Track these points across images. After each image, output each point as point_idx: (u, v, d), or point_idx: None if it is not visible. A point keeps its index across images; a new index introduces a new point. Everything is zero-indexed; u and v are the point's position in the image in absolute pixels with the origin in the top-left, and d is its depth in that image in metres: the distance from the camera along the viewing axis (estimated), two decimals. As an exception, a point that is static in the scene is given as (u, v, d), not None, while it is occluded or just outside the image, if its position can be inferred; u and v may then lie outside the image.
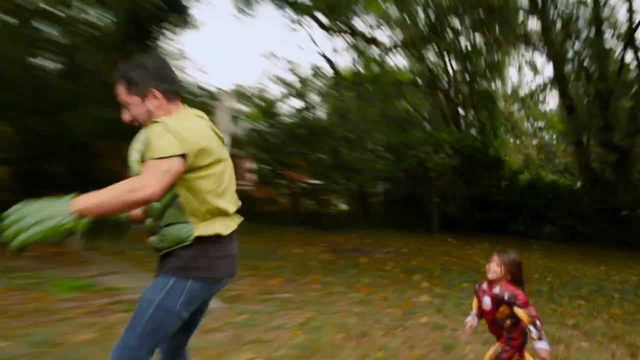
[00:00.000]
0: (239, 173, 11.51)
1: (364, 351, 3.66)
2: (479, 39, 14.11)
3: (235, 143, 12.61)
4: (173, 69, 1.84)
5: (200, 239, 1.62)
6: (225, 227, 1.76)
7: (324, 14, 14.27)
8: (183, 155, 1.48)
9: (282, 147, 13.06)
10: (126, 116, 1.75)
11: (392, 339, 4.02)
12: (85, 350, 3.17)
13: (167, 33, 12.78)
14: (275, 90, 14.45)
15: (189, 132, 1.57)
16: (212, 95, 12.83)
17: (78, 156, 12.84)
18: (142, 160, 1.62)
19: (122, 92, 1.71)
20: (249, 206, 9.55)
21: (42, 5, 12.47)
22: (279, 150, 13.00)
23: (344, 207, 15.55)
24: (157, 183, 1.42)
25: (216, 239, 1.69)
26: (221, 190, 1.76)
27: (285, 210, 13.66)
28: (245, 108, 13.52)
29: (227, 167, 1.83)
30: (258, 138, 13.00)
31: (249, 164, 13.98)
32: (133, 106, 1.71)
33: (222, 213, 1.77)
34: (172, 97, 1.73)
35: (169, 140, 1.50)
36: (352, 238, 11.40)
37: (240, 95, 13.17)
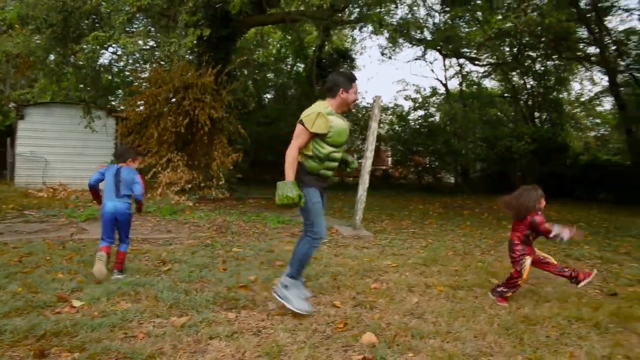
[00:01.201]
0: (381, 159, 18.15)
1: (468, 262, 5.06)
2: (550, 62, 19.22)
3: (379, 139, 19.15)
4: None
5: None
6: None
7: (441, 46, 19.86)
8: None
9: (410, 141, 19.29)
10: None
11: (487, 256, 5.48)
12: (287, 254, 4.77)
13: (341, 73, 19.99)
14: (406, 104, 21.08)
15: None
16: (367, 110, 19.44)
17: (283, 148, 19.89)
18: None
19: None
20: (388, 180, 16.63)
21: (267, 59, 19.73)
22: (408, 142, 19.26)
23: (452, 180, 21.52)
24: None
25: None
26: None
27: (413, 183, 19.89)
28: (386, 116, 20.11)
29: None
30: (394, 135, 19.43)
31: (388, 153, 20.48)
32: None
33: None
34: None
35: None
36: (458, 200, 14.89)
37: (384, 108, 19.83)
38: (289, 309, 3.19)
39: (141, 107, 10.64)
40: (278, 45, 22.09)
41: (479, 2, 12.45)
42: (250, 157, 17.31)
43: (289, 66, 21.88)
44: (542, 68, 19.25)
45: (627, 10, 16.86)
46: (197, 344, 2.66)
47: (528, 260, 3.71)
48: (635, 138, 18.37)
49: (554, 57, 18.75)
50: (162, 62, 12.27)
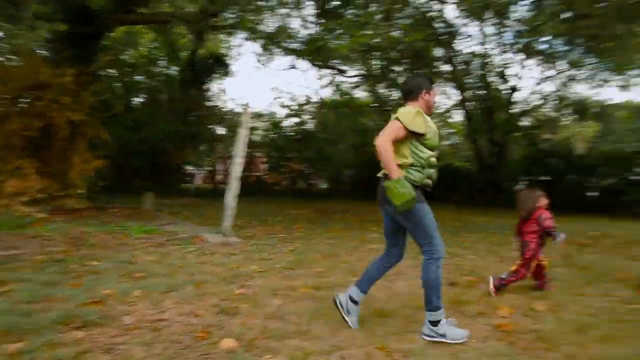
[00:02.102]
0: (255, 166, 18.29)
1: (333, 263, 5.32)
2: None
3: (253, 146, 19.25)
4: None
5: None
6: None
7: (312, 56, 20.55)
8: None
9: (284, 148, 19.75)
10: None
11: (351, 257, 5.82)
12: (149, 265, 4.62)
13: (215, 78, 19.60)
14: (281, 111, 21.44)
15: None
16: (240, 115, 19.45)
17: (151, 154, 18.90)
18: None
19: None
20: (262, 186, 16.91)
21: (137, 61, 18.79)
22: (282, 149, 19.69)
23: (324, 185, 22.37)
24: None
25: None
26: None
27: (287, 189, 20.31)
28: (261, 123, 20.26)
29: None
30: (269, 142, 19.69)
31: (263, 159, 20.64)
32: None
33: None
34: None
35: None
36: (329, 204, 15.53)
37: (258, 115, 19.98)
38: (451, 343, 2.92)
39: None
40: (149, 47, 21.03)
41: (350, 17, 13.25)
42: (116, 164, 16.35)
43: (160, 69, 20.93)
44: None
45: (469, 36, 19.12)
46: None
47: (534, 263, 4.21)
48: (480, 147, 20.91)
49: (414, 71, 20.59)
50: (8, 56, 10.95)
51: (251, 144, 19.96)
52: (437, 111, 24.02)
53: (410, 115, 2.92)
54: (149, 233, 7.14)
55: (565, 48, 15.37)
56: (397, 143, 2.93)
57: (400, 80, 21.31)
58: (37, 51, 11.12)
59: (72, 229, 7.12)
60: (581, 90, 20.23)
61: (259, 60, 18.42)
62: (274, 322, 3.30)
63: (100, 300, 3.60)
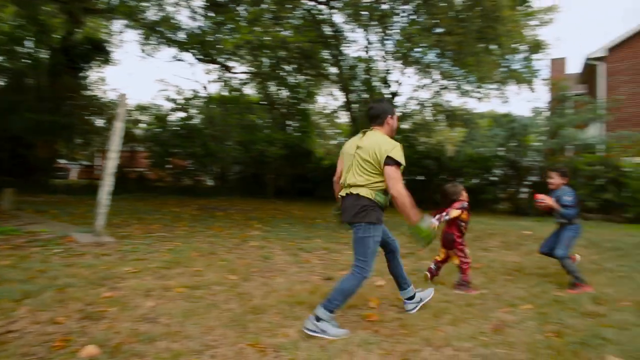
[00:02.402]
0: (136, 161, 17.28)
1: (211, 262, 5.20)
2: (301, 77, 21.51)
3: (134, 140, 18.16)
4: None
5: None
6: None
7: (196, 49, 19.93)
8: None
9: (168, 143, 18.83)
10: None
11: (230, 255, 5.70)
12: (1, 270, 4.29)
13: (93, 66, 17.96)
14: (167, 105, 20.33)
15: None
16: (116, 106, 18.18)
17: (14, 146, 16.96)
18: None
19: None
20: (143, 183, 16.07)
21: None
22: (167, 144, 18.76)
23: (210, 182, 21.81)
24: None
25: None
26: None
27: (171, 185, 19.41)
28: (144, 117, 19.07)
29: (343, 161, 3.40)
30: (152, 137, 18.62)
31: (145, 154, 19.44)
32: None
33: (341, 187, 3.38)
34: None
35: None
36: (214, 202, 15.16)
37: (142, 108, 18.79)
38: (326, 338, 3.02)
39: None
40: (13, 24, 18.57)
41: (239, 12, 13.04)
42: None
43: (27, 50, 18.62)
44: (294, 81, 21.29)
45: (354, 41, 19.97)
46: None
47: (466, 248, 4.67)
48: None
49: (303, 72, 20.98)
50: None
51: (133, 138, 18.81)
52: (325, 111, 24.85)
53: (399, 151, 3.19)
54: (4, 234, 6.37)
55: (437, 59, 16.76)
56: (377, 171, 3.22)
57: (290, 79, 21.70)
58: None
59: None
60: (451, 98, 22.02)
61: (142, 50, 17.40)
62: (144, 324, 3.17)
63: None
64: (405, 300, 3.71)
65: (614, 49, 17.37)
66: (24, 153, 17.07)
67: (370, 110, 3.45)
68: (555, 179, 4.88)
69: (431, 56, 17.91)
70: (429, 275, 4.83)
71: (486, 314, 3.68)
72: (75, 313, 3.31)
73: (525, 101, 66.68)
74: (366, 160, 3.20)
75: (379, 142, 3.21)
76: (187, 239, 6.86)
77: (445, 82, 20.41)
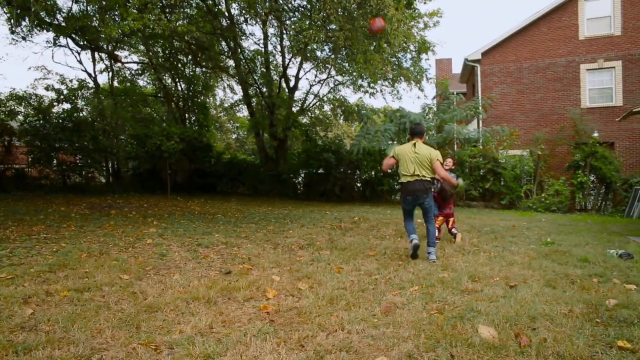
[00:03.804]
0: (14, 157, 15.59)
1: (101, 262, 4.93)
2: (198, 69, 20.92)
3: (10, 133, 16.33)
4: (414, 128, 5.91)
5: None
6: (404, 179, 5.70)
7: (76, 34, 18.29)
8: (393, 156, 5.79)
9: (52, 137, 17.12)
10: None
11: (123, 254, 5.44)
12: None
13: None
14: (48, 95, 18.45)
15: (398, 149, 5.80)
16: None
17: None
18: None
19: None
20: (23, 181, 14.62)
21: None
22: (50, 138, 17.04)
23: (103, 179, 20.36)
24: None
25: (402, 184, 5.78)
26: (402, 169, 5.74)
27: (57, 184, 17.77)
28: (21, 108, 17.15)
29: (405, 160, 5.65)
30: (31, 130, 16.84)
31: (24, 150, 17.51)
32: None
33: (403, 175, 5.71)
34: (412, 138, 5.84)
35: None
36: (108, 199, 14.30)
37: (18, 98, 16.89)
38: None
39: None
40: None
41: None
42: None
43: None
44: (191, 73, 20.63)
45: (251, 34, 19.89)
46: None
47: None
48: (263, 141, 22.03)
49: (200, 64, 20.43)
50: None
51: (9, 132, 16.89)
52: (224, 105, 24.41)
53: (440, 154, 5.76)
54: None
55: (332, 55, 17.26)
56: (430, 167, 5.68)
57: (186, 71, 21.03)
58: None
59: None
60: (347, 94, 22.95)
61: (12, 31, 15.64)
62: (22, 333, 2.93)
63: None
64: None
65: (487, 53, 19.21)
66: None
67: (417, 128, 5.89)
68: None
69: (326, 52, 18.40)
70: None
71: (378, 298, 3.93)
72: (-63, 327, 2.97)
73: (417, 98, 71.10)
74: (425, 161, 5.62)
75: (429, 150, 5.67)
76: (75, 240, 6.39)
77: (340, 78, 21.10)
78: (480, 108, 17.47)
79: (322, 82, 21.83)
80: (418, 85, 18.84)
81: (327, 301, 3.78)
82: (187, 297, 3.78)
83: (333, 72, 20.46)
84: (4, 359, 2.57)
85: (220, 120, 24.89)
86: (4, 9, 12.55)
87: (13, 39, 16.11)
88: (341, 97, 22.28)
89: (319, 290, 4.13)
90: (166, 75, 21.49)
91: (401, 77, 18.39)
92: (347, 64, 16.90)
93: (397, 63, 17.73)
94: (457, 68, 28.17)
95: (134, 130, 18.60)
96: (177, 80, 21.43)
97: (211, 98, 23.07)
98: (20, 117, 17.28)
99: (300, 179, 19.34)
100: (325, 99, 22.68)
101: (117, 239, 6.66)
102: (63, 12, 14.12)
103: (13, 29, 16.01)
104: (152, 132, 17.83)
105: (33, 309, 3.40)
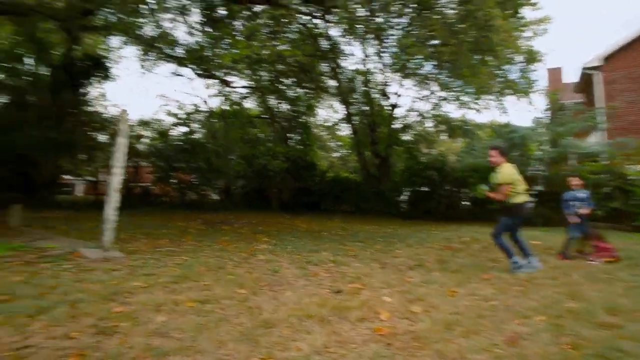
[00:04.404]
0: (140, 176, 17.36)
1: (219, 276, 5.24)
2: (301, 90, 21.69)
3: (137, 155, 18.24)
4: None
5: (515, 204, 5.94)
6: (522, 199, 5.94)
7: (194, 64, 20.03)
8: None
9: (172, 158, 18.90)
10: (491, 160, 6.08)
11: (238, 269, 5.75)
12: (14, 286, 4.34)
13: (93, 82, 18.13)
14: (168, 120, 20.51)
15: (510, 172, 5.87)
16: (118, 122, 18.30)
17: (19, 163, 17.02)
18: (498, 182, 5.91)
19: (494, 154, 6.04)
20: (148, 198, 16.15)
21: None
22: (170, 159, 18.83)
23: (215, 196, 21.85)
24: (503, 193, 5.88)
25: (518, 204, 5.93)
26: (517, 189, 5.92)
27: (175, 200, 19.46)
28: (147, 132, 19.18)
29: (520, 180, 5.93)
30: (155, 152, 18.72)
31: (149, 169, 19.50)
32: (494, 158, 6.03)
33: (519, 195, 5.91)
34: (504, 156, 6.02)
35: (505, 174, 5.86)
36: (219, 216, 15.23)
37: (144, 123, 18.91)
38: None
39: None
40: (11, 41, 18.77)
41: (237, 26, 13.22)
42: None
43: (28, 67, 18.81)
44: (294, 94, 21.44)
45: (351, 55, 20.18)
46: None
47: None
48: (365, 159, 22.08)
49: (302, 85, 21.17)
50: None
51: (137, 153, 18.88)
52: (326, 124, 24.96)
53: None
54: (15, 250, 6.42)
55: (435, 71, 16.89)
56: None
57: (289, 93, 21.87)
58: None
59: None
60: (450, 109, 22.26)
61: (142, 66, 17.59)
62: (157, 339, 3.18)
63: (-54, 331, 3.16)
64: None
65: (610, 57, 17.50)
66: (27, 170, 17.11)
67: (504, 149, 6.11)
68: (578, 183, 7.55)
69: (428, 68, 18.05)
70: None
71: (498, 326, 3.66)
72: (89, 328, 3.33)
73: (525, 111, 66.95)
74: None
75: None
76: (194, 254, 6.87)
77: (443, 93, 20.54)
78: (600, 119, 15.91)
79: (424, 98, 21.44)
80: (526, 97, 17.67)
81: (444, 326, 3.60)
82: (300, 315, 3.83)
83: (435, 88, 20.00)
84: (142, 361, 2.78)
85: (322, 139, 25.55)
86: (139, 47, 14.10)
87: (142, 72, 17.99)
88: (444, 114, 21.65)
89: (433, 314, 3.96)
90: (271, 97, 22.53)
91: (508, 90, 17.41)
92: (450, 79, 16.42)
93: (503, 76, 16.84)
94: (569, 77, 26.02)
95: (242, 150, 19.70)
96: (281, 101, 22.39)
97: (313, 118, 23.73)
98: (146, 140, 19.14)
99: (402, 197, 19.00)
100: (427, 115, 22.21)
101: (231, 254, 7.02)
102: (182, 46, 15.50)
103: (142, 63, 18.05)
104: (259, 152, 18.77)
105: (164, 317, 3.67)
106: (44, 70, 18.32)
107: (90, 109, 20.35)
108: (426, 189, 17.48)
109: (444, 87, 18.45)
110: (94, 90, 20.17)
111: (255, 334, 3.32)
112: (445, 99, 21.01)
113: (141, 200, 18.34)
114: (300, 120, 22.14)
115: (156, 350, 2.94)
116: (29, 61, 19.01)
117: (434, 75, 18.04)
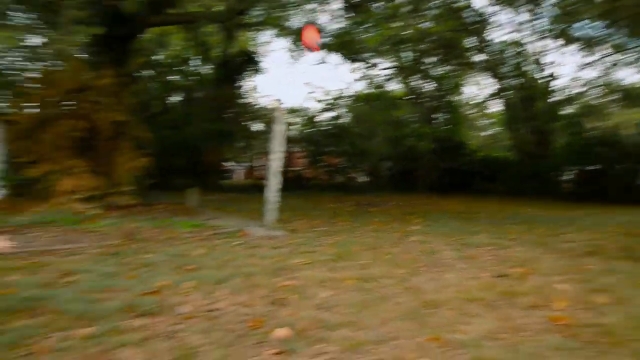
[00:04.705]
0: (293, 161, 18.45)
1: (375, 256, 5.29)
2: (445, 68, 20.75)
3: (290, 141, 19.35)
4: None
5: None
6: None
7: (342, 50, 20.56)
8: None
9: (320, 142, 19.77)
10: None
11: (393, 249, 5.71)
12: (199, 258, 4.93)
13: (246, 76, 19.84)
14: (316, 106, 21.51)
15: None
16: (273, 112, 19.70)
17: (192, 152, 19.25)
18: None
19: None
20: (301, 181, 17.01)
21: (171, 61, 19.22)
22: (319, 144, 19.72)
23: (362, 179, 22.30)
24: None
25: None
26: None
27: (325, 183, 20.35)
28: (297, 119, 20.37)
29: None
30: (305, 137, 19.76)
31: (300, 154, 20.76)
32: None
33: None
34: None
35: None
36: (367, 198, 15.34)
37: (294, 111, 20.07)
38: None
39: (33, 110, 9.77)
40: (182, 47, 21.44)
41: (377, 9, 13.16)
42: (159, 162, 17.06)
43: (194, 68, 21.32)
44: (439, 73, 20.64)
45: (500, 25, 18.73)
46: (105, 353, 2.54)
47: None
48: (520, 137, 20.45)
49: (447, 62, 20.23)
50: (52, 61, 11.37)
51: (288, 139, 20.09)
52: (474, 101, 23.63)
53: None
54: (195, 227, 7.27)
55: (606, 32, 14.71)
56: None
57: (434, 72, 21.04)
58: (78, 55, 11.49)
59: (124, 224, 7.36)
60: (627, 74, 19.32)
61: (290, 56, 18.56)
62: (323, 312, 3.32)
63: (156, 290, 3.72)
64: None
65: None
66: (197, 158, 19.36)
67: None
68: None
69: (596, 29, 15.83)
70: None
71: None
72: (262, 299, 3.62)
73: None
74: None
75: None
76: (348, 234, 7.06)
77: (617, 57, 17.89)
78: None
79: (589, 65, 18.95)
80: None
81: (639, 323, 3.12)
82: (463, 297, 3.68)
83: (606, 51, 17.47)
84: (312, 331, 2.93)
85: (471, 118, 24.20)
86: (289, 38, 14.96)
87: (289, 62, 19.02)
88: (616, 81, 18.88)
89: (625, 307, 3.46)
90: (415, 77, 22.00)
91: None
92: (628, 39, 14.17)
93: None
94: None
95: (387, 132, 19.69)
96: (425, 81, 21.74)
97: (460, 96, 22.59)
98: (296, 127, 20.27)
99: (565, 177, 17.18)
100: (594, 84, 19.61)
101: (384, 234, 7.07)
102: (328, 32, 15.96)
103: (290, 54, 19.07)
104: (404, 134, 18.56)
105: (328, 292, 3.83)
106: (207, 69, 20.49)
107: (244, 101, 22.22)
108: (596, 167, 15.53)
109: (619, 48, 16.02)
110: (247, 83, 22.00)
111: (419, 314, 3.28)
112: (616, 64, 18.29)
113: (294, 183, 19.49)
114: (446, 99, 21.27)
115: (324, 323, 3.07)
116: (194, 62, 21.41)
117: (603, 38, 15.79)
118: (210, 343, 2.71)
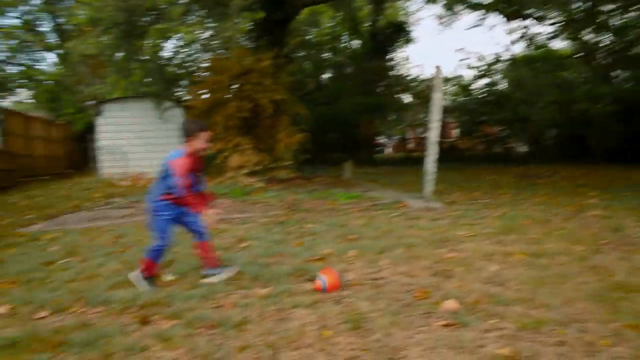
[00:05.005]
0: (447, 131, 17.68)
1: (547, 230, 4.83)
2: (627, 15, 17.55)
3: (444, 111, 18.54)
4: None
5: None
6: None
7: (502, 8, 18.80)
8: None
9: (476, 111, 18.57)
10: None
11: (568, 223, 5.16)
12: (360, 228, 5.02)
13: (397, 47, 19.52)
14: (468, 73, 20.28)
15: None
16: (429, 81, 18.97)
17: (344, 127, 19.81)
18: None
19: None
20: (455, 152, 16.12)
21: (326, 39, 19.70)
22: (473, 113, 18.55)
23: (523, 148, 20.48)
24: None
25: None
26: None
27: (481, 153, 19.22)
28: (449, 87, 19.46)
29: None
30: (459, 106, 18.79)
31: (454, 125, 19.90)
32: None
33: None
34: None
35: None
36: (531, 169, 14.01)
37: (446, 80, 19.16)
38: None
39: (205, 96, 10.94)
40: (331, 24, 21.90)
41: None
42: (315, 137, 17.89)
43: (344, 44, 21.66)
44: (620, 22, 17.62)
45: None
46: (281, 312, 2.76)
47: None
48: None
49: (630, 8, 17.11)
50: (221, 50, 12.52)
51: (442, 109, 19.24)
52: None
53: None
54: (353, 199, 7.50)
55: None
56: None
57: (613, 22, 18.02)
58: (240, 42, 12.42)
59: (286, 196, 7.94)
60: None
61: (440, 23, 17.66)
62: (493, 287, 3.14)
63: (321, 257, 3.92)
64: None
65: None
66: (352, 132, 19.80)
67: None
68: None
69: None
70: None
71: None
72: (425, 269, 3.57)
73: None
74: None
75: None
76: (513, 206, 6.59)
77: None
78: None
79: None
80: None
81: None
82: (665, 282, 3.12)
83: None
84: (483, 305, 2.77)
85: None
86: (442, 2, 14.23)
87: (439, 30, 18.09)
88: None
89: None
90: (586, 31, 19.09)
91: None
92: None
93: None
94: None
95: (553, 96, 17.63)
96: (601, 33, 18.74)
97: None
98: (449, 96, 19.36)
99: None
100: None
101: (555, 207, 6.42)
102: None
103: (441, 20, 18.14)
104: (575, 96, 16.38)
105: (496, 266, 3.60)
106: (357, 43, 20.63)
107: (395, 72, 21.88)
108: None
109: None
110: (397, 54, 21.60)
111: (610, 297, 2.89)
112: None
113: (448, 155, 18.75)
114: (629, 53, 18.11)
115: (496, 298, 2.90)
116: (344, 38, 21.72)
117: None
118: (378, 310, 2.76)
